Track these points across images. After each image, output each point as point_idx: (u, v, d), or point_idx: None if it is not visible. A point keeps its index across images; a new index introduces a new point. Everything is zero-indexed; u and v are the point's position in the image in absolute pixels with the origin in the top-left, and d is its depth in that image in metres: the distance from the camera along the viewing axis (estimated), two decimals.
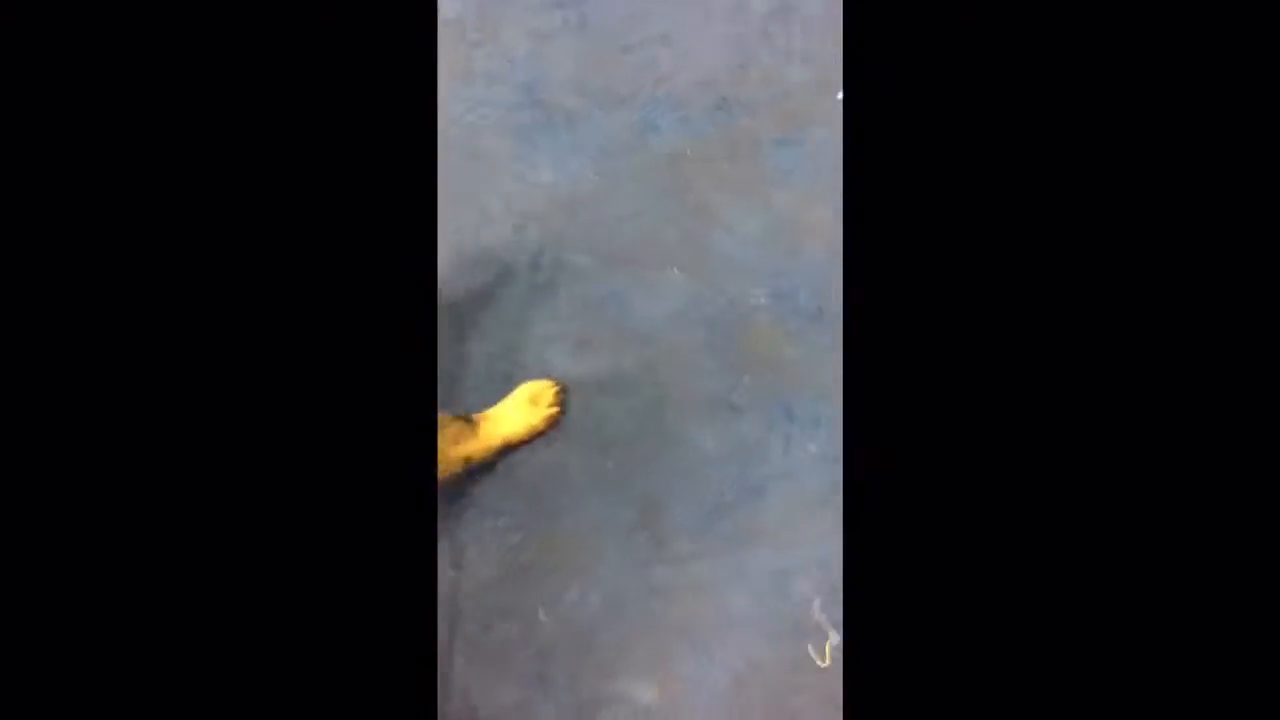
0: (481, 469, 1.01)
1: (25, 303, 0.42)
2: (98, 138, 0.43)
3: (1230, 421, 0.43)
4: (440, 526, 0.98)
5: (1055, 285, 0.45)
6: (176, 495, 0.43)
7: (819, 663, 0.93)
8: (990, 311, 0.46)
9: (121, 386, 0.43)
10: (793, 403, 1.02)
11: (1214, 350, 0.44)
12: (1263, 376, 0.43)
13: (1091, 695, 0.44)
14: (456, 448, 0.96)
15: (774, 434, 1.01)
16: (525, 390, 1.02)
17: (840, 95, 1.17)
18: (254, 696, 0.44)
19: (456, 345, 1.08)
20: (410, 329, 0.46)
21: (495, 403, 1.03)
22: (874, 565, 0.47)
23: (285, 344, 0.45)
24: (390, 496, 0.46)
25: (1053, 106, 0.45)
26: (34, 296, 0.42)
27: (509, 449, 1.01)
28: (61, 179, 0.43)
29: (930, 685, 0.45)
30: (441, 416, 0.95)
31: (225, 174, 0.44)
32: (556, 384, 1.03)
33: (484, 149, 1.19)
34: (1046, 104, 0.45)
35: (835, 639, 0.93)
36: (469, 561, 0.99)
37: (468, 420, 0.99)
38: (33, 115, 0.42)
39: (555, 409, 1.02)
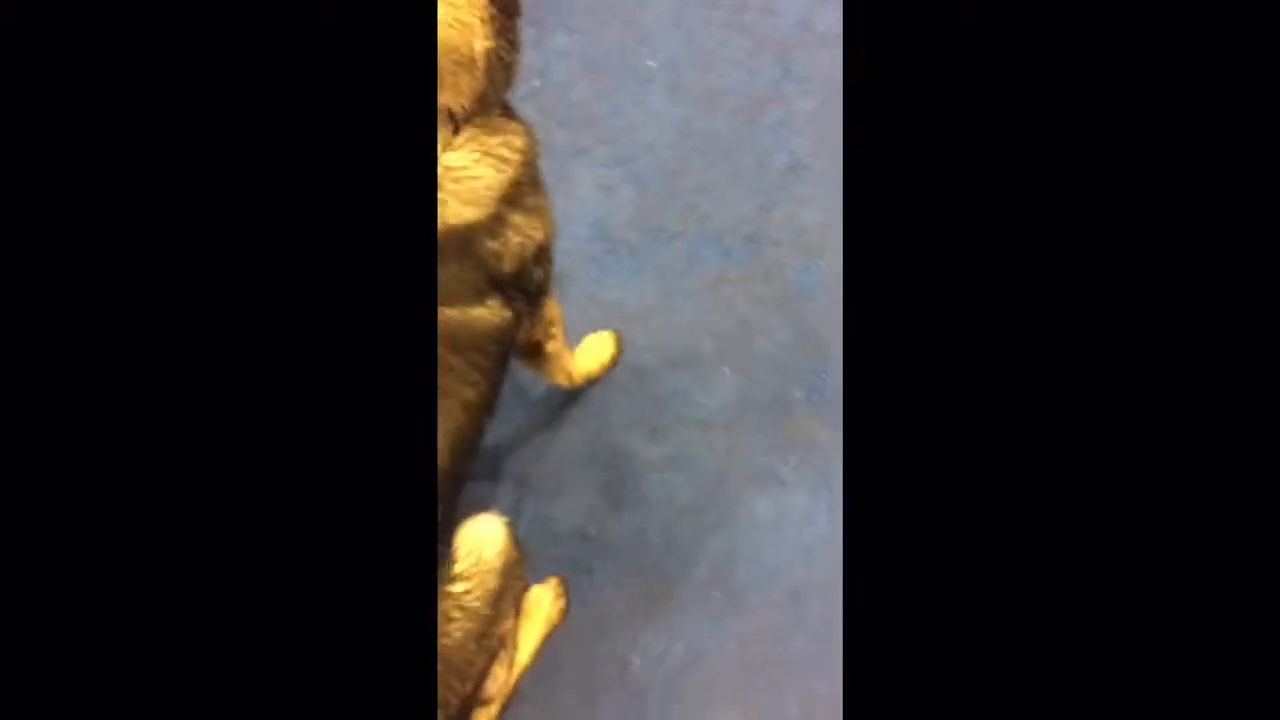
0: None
1: (22, 300, 0.42)
2: (102, 134, 0.43)
3: (1230, 420, 0.43)
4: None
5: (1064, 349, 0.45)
6: (171, 498, 0.43)
7: None
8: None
9: (121, 387, 0.43)
10: (831, 476, 1.24)
11: (1214, 348, 0.43)
12: (1263, 376, 0.42)
13: None
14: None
15: (818, 502, 1.22)
16: (589, 340, 1.30)
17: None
18: (252, 700, 0.43)
19: (547, 431, 1.29)
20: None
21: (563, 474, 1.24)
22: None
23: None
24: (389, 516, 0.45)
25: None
26: (30, 291, 0.42)
27: (591, 382, 1.29)
28: (59, 177, 0.42)
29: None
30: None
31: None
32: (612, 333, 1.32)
33: (562, 274, 1.45)
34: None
35: None
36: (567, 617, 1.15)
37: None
38: (31, 114, 0.42)
39: (616, 349, 1.31)
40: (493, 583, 0.93)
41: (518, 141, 0.88)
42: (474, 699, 0.96)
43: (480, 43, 0.83)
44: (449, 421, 0.86)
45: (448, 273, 0.82)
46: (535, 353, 1.13)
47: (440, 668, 0.86)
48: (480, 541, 0.93)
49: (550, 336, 1.13)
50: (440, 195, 0.82)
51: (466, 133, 0.84)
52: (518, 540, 0.98)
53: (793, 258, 1.46)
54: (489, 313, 0.88)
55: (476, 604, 0.91)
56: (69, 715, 0.42)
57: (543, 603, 1.11)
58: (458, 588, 0.90)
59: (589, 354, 1.30)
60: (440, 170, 0.82)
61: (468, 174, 0.84)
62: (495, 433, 1.26)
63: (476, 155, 0.85)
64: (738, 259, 1.46)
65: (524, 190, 0.89)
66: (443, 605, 0.88)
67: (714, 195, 1.53)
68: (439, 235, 0.81)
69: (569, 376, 1.24)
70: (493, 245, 0.86)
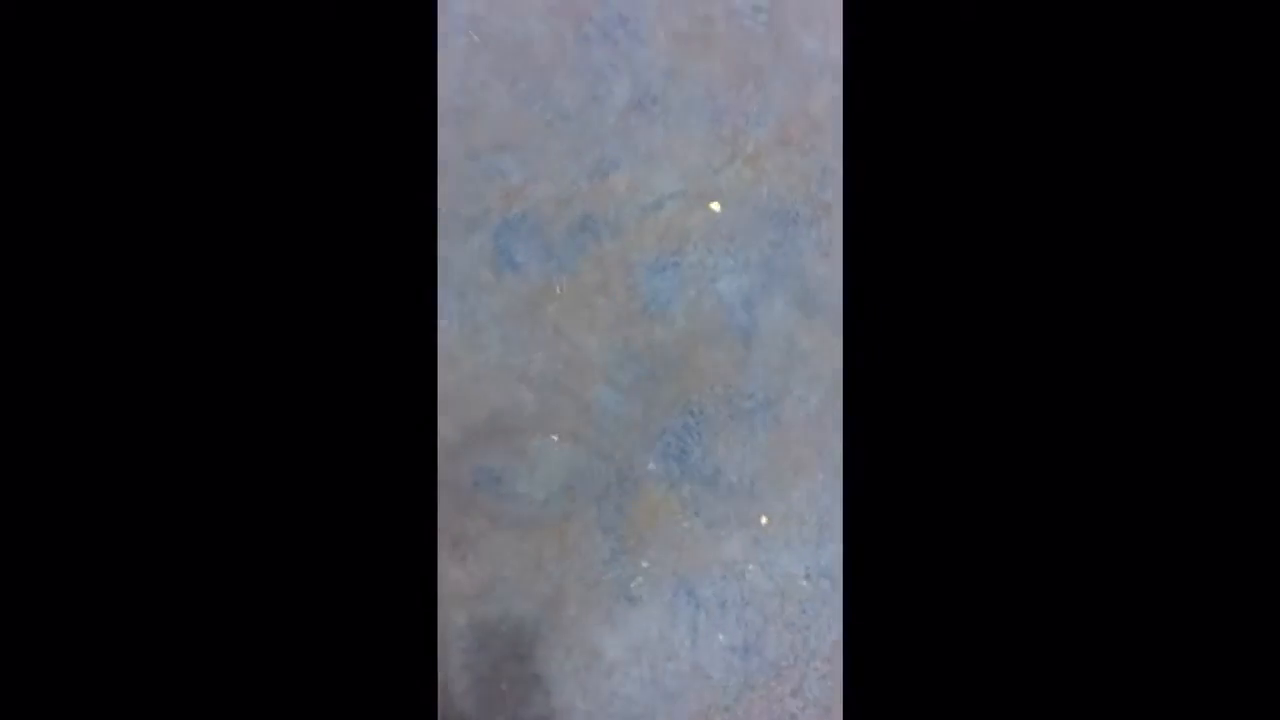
0: None
1: (26, 302, 0.42)
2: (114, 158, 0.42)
3: (1230, 420, 0.43)
4: None
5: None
6: (168, 507, 0.43)
7: None
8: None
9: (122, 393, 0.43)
10: (697, 583, 0.95)
11: (1213, 347, 0.43)
12: (1262, 376, 0.43)
13: None
14: None
15: (678, 623, 0.94)
16: None
17: (716, 205, 1.05)
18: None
19: None
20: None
21: None
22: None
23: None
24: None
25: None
26: (35, 295, 0.42)
27: None
28: (61, 178, 0.42)
29: None
30: None
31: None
32: None
33: None
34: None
35: None
36: None
37: None
38: (33, 115, 0.42)
39: None
40: None
41: None
42: None
43: None
44: None
45: None
46: None
47: None
48: None
49: None
50: None
51: None
52: None
53: (642, 250, 1.04)
54: None
55: None
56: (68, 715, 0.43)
57: None
58: None
59: None
60: None
61: None
62: None
63: None
64: (564, 259, 1.03)
65: None
66: None
67: (527, 154, 1.04)
68: None
69: None
70: None
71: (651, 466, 0.98)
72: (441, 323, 1.00)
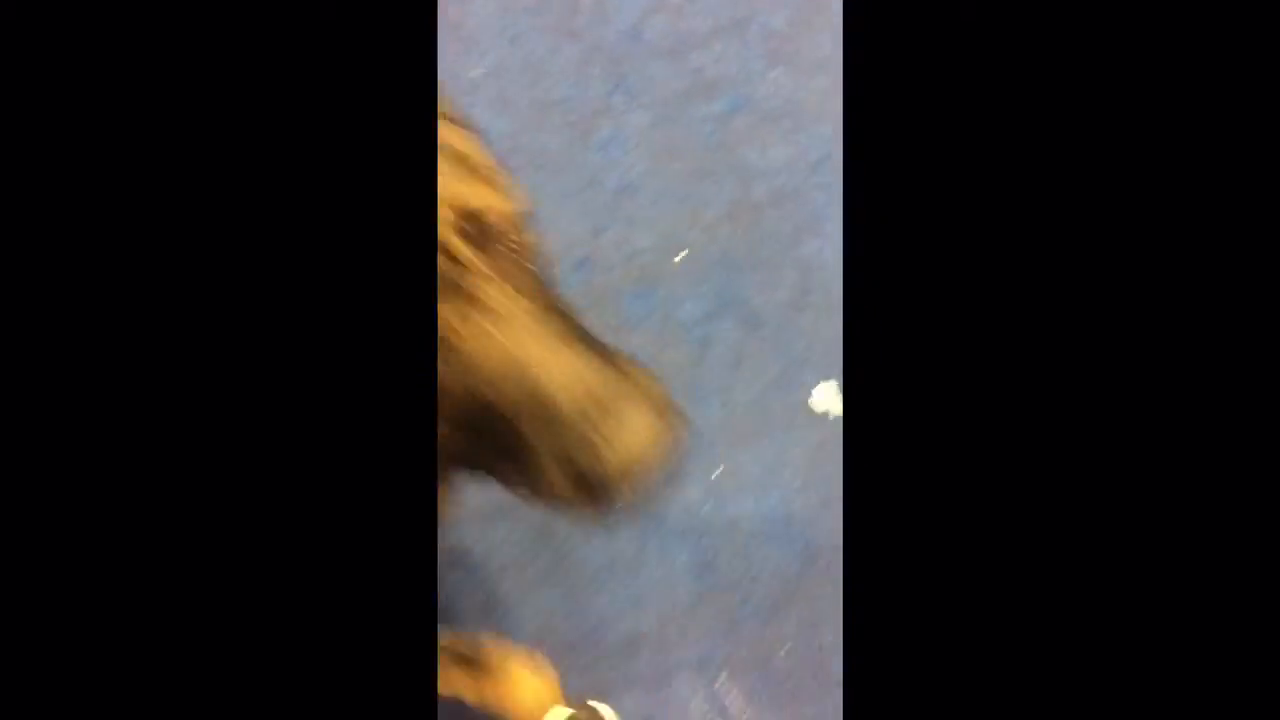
0: None
1: (25, 303, 0.41)
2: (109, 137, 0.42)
3: (1230, 421, 0.41)
4: None
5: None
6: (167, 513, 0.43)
7: None
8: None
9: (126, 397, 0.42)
10: (660, 520, 1.19)
11: (1213, 347, 0.41)
12: (1263, 377, 0.41)
13: None
14: None
15: (647, 548, 1.17)
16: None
17: (678, 258, 1.43)
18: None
19: None
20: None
21: None
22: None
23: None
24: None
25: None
26: (34, 296, 0.41)
27: None
28: (61, 178, 0.41)
29: None
30: None
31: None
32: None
33: None
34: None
35: None
36: None
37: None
38: (32, 115, 0.41)
39: None
40: None
41: None
42: None
43: None
44: None
45: None
46: None
47: None
48: None
49: None
50: None
51: None
52: None
53: (625, 284, 1.40)
54: None
55: None
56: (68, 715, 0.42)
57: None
58: None
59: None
60: None
61: None
62: None
63: None
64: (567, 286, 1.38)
65: None
66: None
67: (544, 218, 1.44)
68: None
69: None
70: None
71: None
72: None
